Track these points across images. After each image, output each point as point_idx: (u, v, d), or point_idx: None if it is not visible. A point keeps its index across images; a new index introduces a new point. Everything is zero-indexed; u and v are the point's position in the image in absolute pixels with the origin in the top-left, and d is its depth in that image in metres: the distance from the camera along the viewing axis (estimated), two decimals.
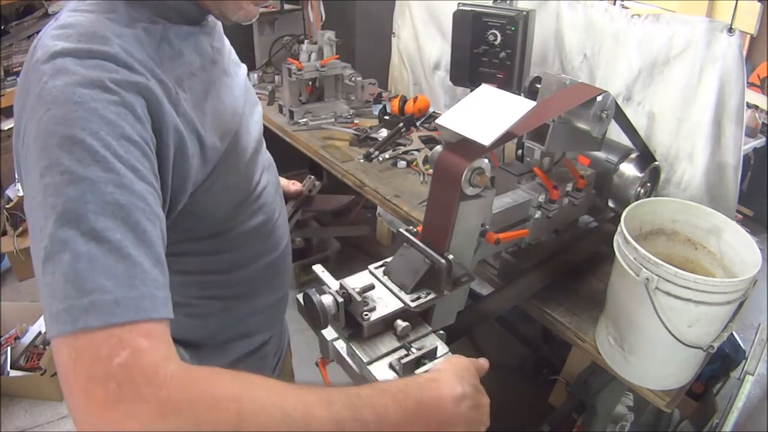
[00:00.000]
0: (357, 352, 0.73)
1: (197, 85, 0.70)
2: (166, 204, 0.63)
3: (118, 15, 0.63)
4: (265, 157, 0.93)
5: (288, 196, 1.21)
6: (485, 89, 0.81)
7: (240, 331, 0.90)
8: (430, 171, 1.10)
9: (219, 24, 0.83)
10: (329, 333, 0.80)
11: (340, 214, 2.97)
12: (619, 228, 0.95)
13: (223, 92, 0.76)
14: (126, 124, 0.56)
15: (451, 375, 0.66)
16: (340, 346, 0.79)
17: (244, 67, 0.90)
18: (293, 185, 1.23)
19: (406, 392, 0.60)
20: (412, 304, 0.75)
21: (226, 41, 0.86)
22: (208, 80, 0.73)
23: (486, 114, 0.76)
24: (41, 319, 2.23)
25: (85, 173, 0.52)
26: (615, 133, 1.26)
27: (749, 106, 2.49)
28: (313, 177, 1.27)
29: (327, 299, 0.72)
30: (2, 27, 2.65)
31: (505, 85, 1.61)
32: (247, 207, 0.83)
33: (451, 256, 0.76)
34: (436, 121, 0.79)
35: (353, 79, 2.20)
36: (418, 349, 0.71)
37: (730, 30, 1.33)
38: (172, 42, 0.68)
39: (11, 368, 2.12)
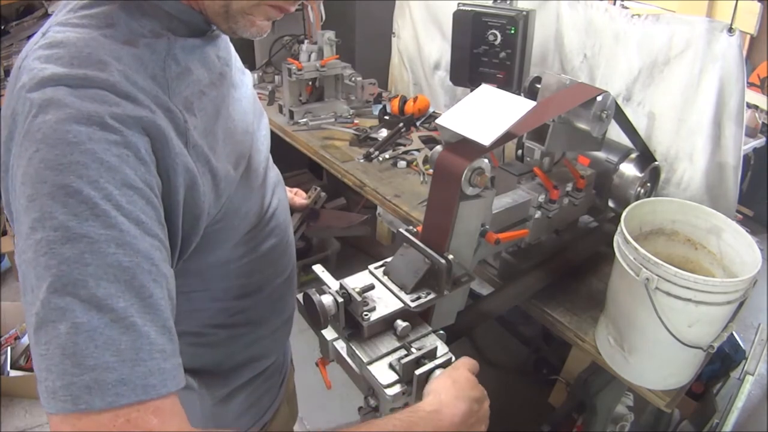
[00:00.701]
0: (357, 352, 0.73)
1: (208, 106, 0.63)
2: (176, 251, 0.58)
3: (116, 30, 0.55)
4: (274, 173, 0.87)
5: (293, 209, 1.14)
6: (485, 89, 0.81)
7: (247, 357, 0.86)
8: (430, 171, 1.10)
9: (220, 39, 0.76)
10: (329, 333, 0.80)
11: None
12: (619, 228, 0.95)
13: (233, 109, 0.70)
14: (128, 168, 0.49)
15: (452, 398, 0.64)
16: (340, 346, 0.79)
17: (249, 75, 0.83)
18: (297, 197, 1.16)
19: (417, 424, 0.59)
20: (412, 304, 0.75)
21: (232, 48, 0.79)
22: (218, 98, 0.66)
23: (486, 114, 0.76)
24: None
25: (82, 230, 0.46)
26: (615, 133, 1.25)
27: (749, 106, 2.49)
28: (318, 188, 1.22)
29: (327, 299, 0.72)
30: (2, 27, 2.65)
31: (505, 85, 1.61)
32: (259, 232, 0.78)
33: (451, 256, 0.76)
34: (436, 121, 0.79)
35: (353, 79, 2.20)
36: (418, 349, 0.71)
37: (730, 30, 1.33)
38: (178, 58, 0.60)
39: (11, 368, 2.12)
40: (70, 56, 0.51)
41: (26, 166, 0.48)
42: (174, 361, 0.50)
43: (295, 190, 1.20)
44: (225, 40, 0.75)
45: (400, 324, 0.74)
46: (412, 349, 0.72)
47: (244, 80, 0.80)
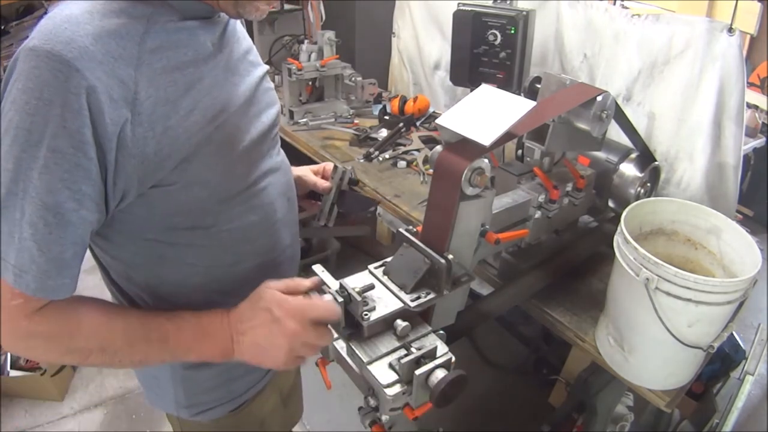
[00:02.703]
0: (357, 352, 0.73)
1: (179, 80, 0.71)
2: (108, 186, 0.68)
3: (106, 7, 0.66)
4: (276, 159, 0.91)
5: (318, 193, 1.15)
6: (485, 89, 0.81)
7: None
8: (430, 171, 1.10)
9: (235, 24, 0.84)
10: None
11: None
12: (619, 228, 0.95)
13: (216, 89, 0.76)
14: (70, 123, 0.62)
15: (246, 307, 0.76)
16: (340, 346, 0.79)
17: (262, 68, 0.90)
18: (321, 180, 1.15)
19: (188, 319, 0.75)
20: (412, 304, 0.75)
21: (245, 42, 0.87)
22: (195, 74, 0.73)
23: (486, 114, 0.76)
24: None
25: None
26: (615, 133, 1.26)
27: (749, 106, 2.49)
28: (341, 166, 1.14)
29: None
30: (2, 27, 2.65)
31: (505, 85, 1.61)
32: (235, 206, 0.82)
33: (450, 256, 0.75)
34: (436, 121, 0.79)
35: (353, 79, 2.21)
36: (418, 349, 0.71)
37: (730, 30, 1.33)
38: (157, 35, 0.69)
39: (11, 368, 2.12)
40: (48, 31, 0.62)
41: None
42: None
43: (320, 168, 1.18)
44: (232, 32, 0.83)
45: (400, 324, 0.74)
46: (412, 349, 0.72)
47: (252, 71, 0.86)
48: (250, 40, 0.91)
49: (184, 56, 0.72)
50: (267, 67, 0.91)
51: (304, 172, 1.13)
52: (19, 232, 0.63)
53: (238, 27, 0.85)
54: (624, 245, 0.94)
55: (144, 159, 0.68)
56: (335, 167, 1.13)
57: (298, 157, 2.15)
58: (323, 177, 1.15)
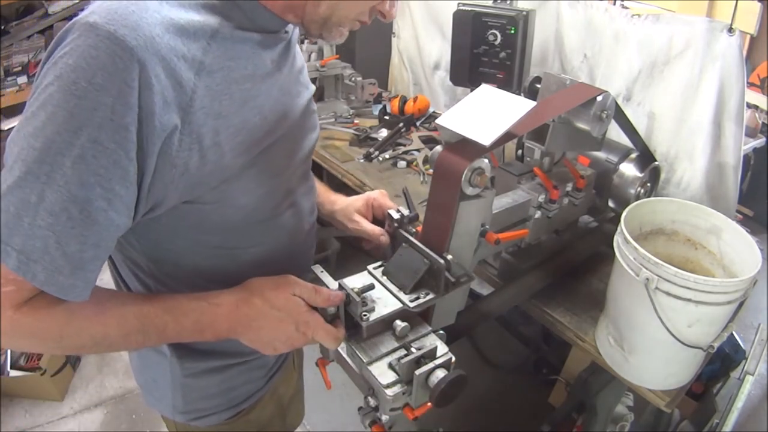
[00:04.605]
0: (357, 352, 0.73)
1: (235, 93, 0.66)
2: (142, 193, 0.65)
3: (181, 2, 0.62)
4: (307, 184, 0.88)
5: (362, 237, 1.01)
6: (485, 89, 0.81)
7: (223, 344, 0.83)
8: (430, 171, 1.10)
9: (295, 42, 0.81)
10: None
11: None
12: (619, 228, 0.95)
13: (267, 110, 0.72)
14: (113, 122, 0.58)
15: (237, 299, 0.72)
16: (340, 346, 0.79)
17: (310, 90, 0.86)
18: (383, 239, 0.97)
19: (187, 314, 0.70)
20: (411, 305, 0.74)
21: (299, 61, 0.83)
22: (251, 91, 0.69)
23: (486, 114, 0.76)
24: None
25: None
26: (615, 133, 1.25)
27: (749, 106, 2.49)
28: (400, 213, 0.88)
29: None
30: (2, 27, 2.65)
31: (505, 85, 1.61)
32: (262, 230, 0.79)
33: (450, 256, 0.75)
34: (436, 121, 0.79)
35: (353, 79, 2.20)
36: (418, 349, 0.71)
37: (730, 30, 1.33)
38: (224, 42, 0.65)
39: (11, 368, 2.12)
40: (112, 10, 0.57)
41: (44, 77, 0.57)
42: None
43: (370, 198, 1.01)
44: (289, 51, 0.78)
45: (399, 324, 0.74)
46: (412, 349, 0.72)
47: (303, 93, 0.83)
48: (303, 58, 0.86)
49: (244, 70, 0.67)
50: (314, 88, 0.87)
51: (355, 207, 1.02)
52: (32, 217, 0.57)
53: (290, 46, 0.79)
54: (624, 245, 0.94)
55: (185, 171, 0.64)
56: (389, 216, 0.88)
57: None
58: (374, 213, 1.03)
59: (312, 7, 0.69)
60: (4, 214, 0.57)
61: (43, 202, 0.56)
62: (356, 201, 1.03)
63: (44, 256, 0.58)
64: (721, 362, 1.74)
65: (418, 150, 1.93)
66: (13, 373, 2.11)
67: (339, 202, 1.04)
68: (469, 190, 0.76)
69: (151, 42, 0.57)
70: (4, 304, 0.59)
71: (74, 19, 0.58)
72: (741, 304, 0.91)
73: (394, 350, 0.74)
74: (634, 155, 1.28)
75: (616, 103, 1.06)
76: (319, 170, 2.17)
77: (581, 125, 1.04)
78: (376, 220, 1.03)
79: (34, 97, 0.58)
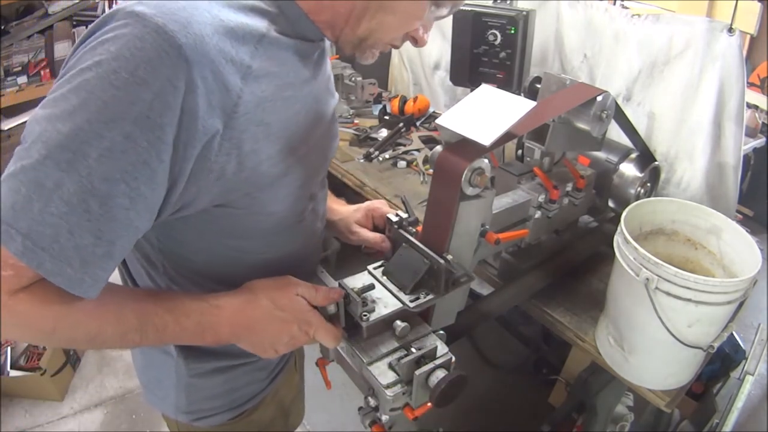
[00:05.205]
0: (357, 352, 0.73)
1: (278, 101, 0.66)
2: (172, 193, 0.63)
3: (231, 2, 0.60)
4: (324, 191, 0.88)
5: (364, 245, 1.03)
6: (485, 89, 0.81)
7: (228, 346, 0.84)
8: (430, 171, 1.10)
9: (326, 53, 0.80)
10: None
11: None
12: (619, 228, 0.95)
13: (303, 118, 0.71)
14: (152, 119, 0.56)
15: (242, 301, 0.71)
16: (340, 346, 0.79)
17: (335, 99, 0.86)
18: (385, 245, 0.97)
19: (189, 314, 0.68)
20: (411, 305, 0.74)
21: (328, 69, 0.82)
22: (291, 100, 0.68)
23: (486, 114, 0.76)
24: None
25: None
26: (615, 133, 1.25)
27: (749, 106, 2.49)
28: (398, 217, 0.85)
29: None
30: (2, 27, 2.64)
31: (505, 85, 1.61)
32: (285, 236, 0.79)
33: (450, 257, 0.75)
34: (436, 121, 0.79)
35: (353, 79, 2.20)
36: (418, 349, 0.71)
37: (730, 30, 1.33)
38: (271, 47, 0.64)
39: (11, 368, 2.12)
40: (161, 2, 0.55)
41: (79, 61, 0.55)
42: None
43: (370, 208, 1.02)
44: (320, 61, 0.77)
45: (399, 324, 0.74)
46: (412, 349, 0.72)
47: (330, 102, 0.83)
48: (330, 66, 0.85)
49: (286, 77, 0.66)
50: (338, 96, 0.87)
51: (355, 218, 1.03)
52: (44, 203, 0.53)
53: (323, 56, 0.78)
54: (624, 245, 0.94)
55: (221, 176, 0.62)
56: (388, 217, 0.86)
57: None
58: (374, 222, 1.04)
59: (351, 28, 0.70)
60: (13, 194, 0.53)
61: (59, 189, 0.53)
62: (356, 212, 1.05)
63: (53, 244, 0.54)
64: (721, 362, 1.74)
65: (418, 150, 1.93)
66: (13, 373, 2.11)
67: (339, 212, 1.05)
68: (469, 190, 0.76)
69: (201, 42, 0.55)
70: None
71: (116, 7, 0.56)
72: (741, 304, 0.91)
73: (394, 350, 0.74)
74: (634, 155, 1.28)
75: (616, 103, 1.06)
76: None
77: (581, 125, 1.04)
78: (377, 228, 1.04)
79: (65, 78, 0.55)
